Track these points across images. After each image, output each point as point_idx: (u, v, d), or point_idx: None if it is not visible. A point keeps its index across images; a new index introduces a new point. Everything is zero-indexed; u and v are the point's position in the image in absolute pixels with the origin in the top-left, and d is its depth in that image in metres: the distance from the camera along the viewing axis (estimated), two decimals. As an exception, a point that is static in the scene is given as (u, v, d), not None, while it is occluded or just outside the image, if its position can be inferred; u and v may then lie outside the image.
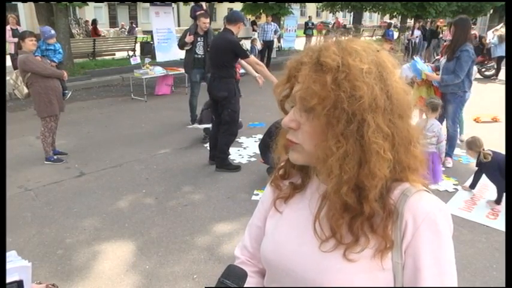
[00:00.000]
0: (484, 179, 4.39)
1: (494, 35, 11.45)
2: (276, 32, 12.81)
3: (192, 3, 8.78)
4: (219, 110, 4.58)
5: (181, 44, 6.37)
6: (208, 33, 6.22)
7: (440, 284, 0.71)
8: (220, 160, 4.63)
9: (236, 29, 4.34)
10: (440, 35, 14.30)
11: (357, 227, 0.72)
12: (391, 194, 0.74)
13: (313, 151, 0.75)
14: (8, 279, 0.75)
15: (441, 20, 15.51)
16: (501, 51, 10.71)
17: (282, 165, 0.92)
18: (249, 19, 18.77)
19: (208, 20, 6.17)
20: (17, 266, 0.77)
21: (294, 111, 0.76)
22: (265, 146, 3.84)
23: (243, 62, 4.45)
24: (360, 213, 0.72)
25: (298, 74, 0.77)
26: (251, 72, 4.60)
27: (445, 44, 10.86)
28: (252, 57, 4.31)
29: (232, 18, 4.44)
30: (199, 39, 6.23)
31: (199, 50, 6.25)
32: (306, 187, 0.87)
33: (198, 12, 6.66)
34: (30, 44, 4.53)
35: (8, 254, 0.80)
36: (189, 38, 6.16)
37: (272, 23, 12.90)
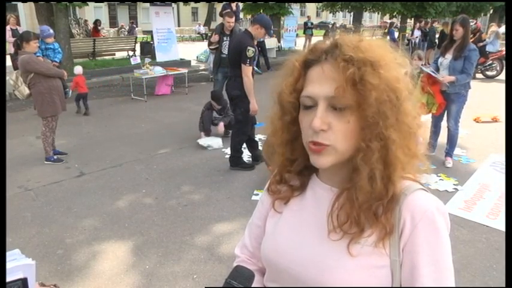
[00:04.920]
0: (484, 179, 4.40)
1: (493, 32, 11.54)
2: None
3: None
4: (232, 109, 4.62)
5: (209, 44, 6.54)
6: (234, 33, 6.24)
7: (438, 282, 0.72)
8: (234, 159, 4.67)
9: (253, 30, 4.30)
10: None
11: (365, 215, 0.73)
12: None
13: (347, 149, 0.74)
14: (13, 277, 0.75)
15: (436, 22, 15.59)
16: (492, 47, 10.97)
17: (277, 172, 0.91)
18: (248, 19, 18.77)
19: (232, 19, 6.20)
20: (21, 264, 0.78)
21: (323, 112, 0.72)
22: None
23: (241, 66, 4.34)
24: (381, 198, 0.73)
25: (307, 72, 0.76)
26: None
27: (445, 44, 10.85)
28: (247, 67, 4.17)
29: (254, 19, 4.49)
30: (225, 38, 6.27)
31: (225, 50, 6.29)
32: (306, 190, 0.87)
33: (224, 11, 6.73)
34: (34, 46, 4.54)
35: (11, 252, 0.80)
36: (213, 38, 6.25)
37: None
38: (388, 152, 0.71)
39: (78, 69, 7.52)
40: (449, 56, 4.41)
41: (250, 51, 4.13)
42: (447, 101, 4.54)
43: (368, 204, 0.73)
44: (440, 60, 4.54)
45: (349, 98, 0.71)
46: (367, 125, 0.71)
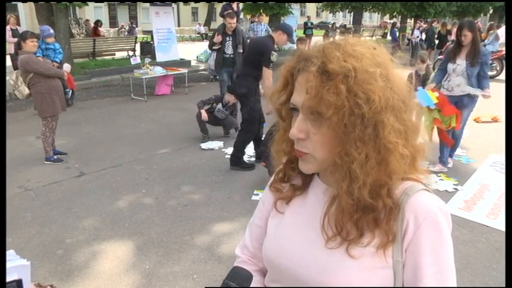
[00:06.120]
0: (484, 179, 4.40)
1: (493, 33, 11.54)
2: (267, 32, 12.82)
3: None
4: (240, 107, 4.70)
5: (210, 44, 6.61)
6: (237, 32, 6.28)
7: (441, 282, 0.72)
8: (235, 159, 4.66)
9: (276, 36, 4.38)
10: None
11: (362, 222, 0.73)
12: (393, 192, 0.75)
13: (325, 158, 0.74)
14: (7, 279, 0.75)
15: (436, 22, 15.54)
16: (492, 47, 10.93)
17: (280, 169, 0.91)
18: (248, 19, 18.77)
19: (234, 20, 6.29)
20: (15, 265, 0.77)
21: (301, 121, 0.74)
22: (266, 150, 3.86)
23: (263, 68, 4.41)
24: (372, 210, 0.72)
25: (295, 80, 0.76)
26: (262, 82, 4.59)
27: (447, 44, 10.85)
28: (268, 71, 4.27)
29: (277, 26, 4.60)
30: (227, 38, 6.34)
31: (228, 50, 6.36)
32: (308, 189, 0.87)
33: (225, 12, 6.79)
34: (31, 45, 4.52)
35: (6, 253, 0.80)
36: (217, 38, 6.34)
37: (262, 23, 12.89)
38: (353, 166, 0.70)
39: (66, 66, 7.77)
40: (461, 62, 4.26)
41: (274, 56, 4.23)
42: (458, 108, 4.39)
43: (358, 215, 0.73)
44: (451, 66, 4.34)
45: (318, 110, 0.71)
46: (333, 138, 0.71)
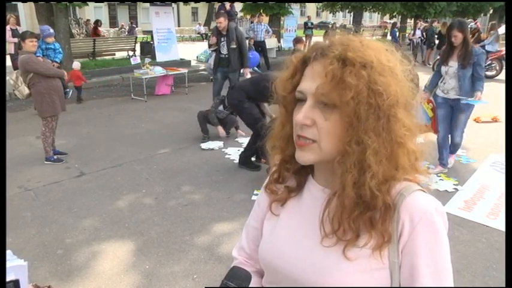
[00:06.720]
0: (484, 179, 4.40)
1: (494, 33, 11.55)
2: (267, 32, 12.82)
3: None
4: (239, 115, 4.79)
5: (208, 46, 6.74)
6: (230, 31, 6.30)
7: (438, 283, 0.72)
8: (243, 158, 4.71)
9: None
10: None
11: (359, 222, 0.73)
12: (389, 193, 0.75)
13: (330, 149, 0.74)
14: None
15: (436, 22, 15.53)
16: (491, 47, 10.94)
17: (275, 170, 0.91)
18: (248, 19, 18.77)
19: (221, 20, 6.34)
20: (13, 265, 0.77)
21: (309, 107, 0.73)
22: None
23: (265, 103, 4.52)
24: (370, 207, 0.72)
25: (306, 68, 0.76)
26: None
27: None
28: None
29: None
30: (222, 39, 6.41)
31: (223, 50, 6.44)
32: (303, 190, 0.87)
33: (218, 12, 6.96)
34: (30, 45, 4.52)
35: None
36: (212, 40, 6.52)
37: (263, 23, 12.89)
38: (364, 157, 0.70)
39: (75, 64, 8.15)
40: (453, 64, 4.16)
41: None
42: (455, 111, 4.32)
43: (358, 211, 0.72)
44: (444, 69, 4.26)
45: (332, 96, 0.71)
46: (346, 126, 0.71)
